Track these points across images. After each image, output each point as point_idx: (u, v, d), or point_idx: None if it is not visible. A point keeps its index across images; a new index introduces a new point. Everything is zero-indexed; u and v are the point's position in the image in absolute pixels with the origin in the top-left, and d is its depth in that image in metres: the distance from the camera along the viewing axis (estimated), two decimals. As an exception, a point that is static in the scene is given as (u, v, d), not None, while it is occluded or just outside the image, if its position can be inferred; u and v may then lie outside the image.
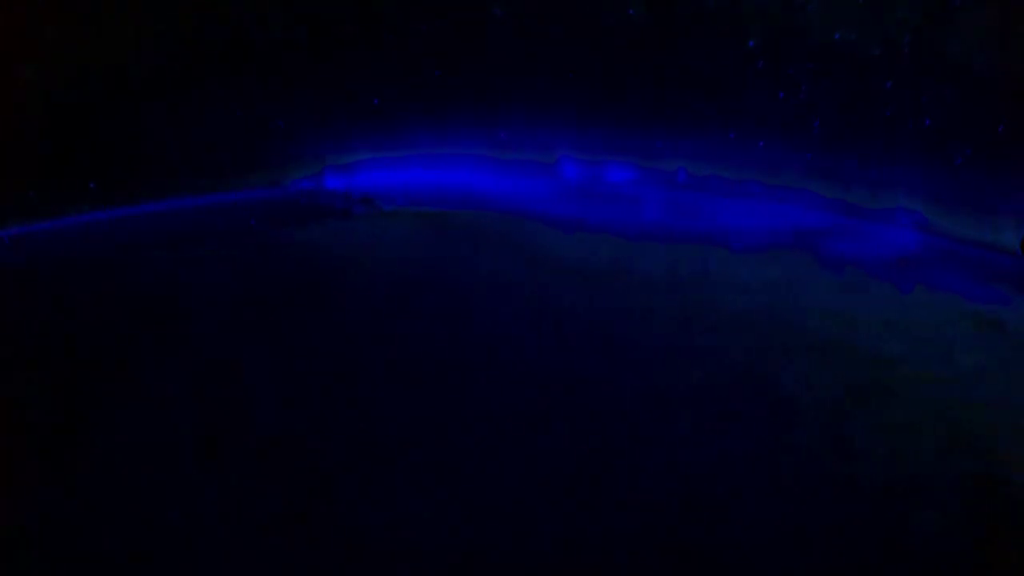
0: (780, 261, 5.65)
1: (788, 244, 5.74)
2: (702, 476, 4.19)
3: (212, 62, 5.82)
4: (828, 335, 5.05)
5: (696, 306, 5.30)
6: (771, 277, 5.52)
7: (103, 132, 5.74)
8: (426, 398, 4.68)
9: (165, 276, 5.64)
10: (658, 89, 5.89)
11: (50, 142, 5.65)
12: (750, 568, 3.77)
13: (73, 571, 3.82)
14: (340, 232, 6.22)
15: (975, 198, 5.53)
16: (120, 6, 5.54)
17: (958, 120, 5.36)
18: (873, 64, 5.42)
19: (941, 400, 4.58)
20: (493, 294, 5.52)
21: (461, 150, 6.32)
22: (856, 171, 5.71)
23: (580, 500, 4.07)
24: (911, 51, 5.25)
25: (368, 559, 3.88)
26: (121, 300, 5.40)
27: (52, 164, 5.73)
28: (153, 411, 4.59)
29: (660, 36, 5.73)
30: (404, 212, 6.31)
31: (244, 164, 6.20)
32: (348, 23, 5.90)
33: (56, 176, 5.76)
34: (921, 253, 5.59)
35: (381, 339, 5.13)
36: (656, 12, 5.66)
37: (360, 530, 3.99)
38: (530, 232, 6.03)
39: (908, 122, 5.45)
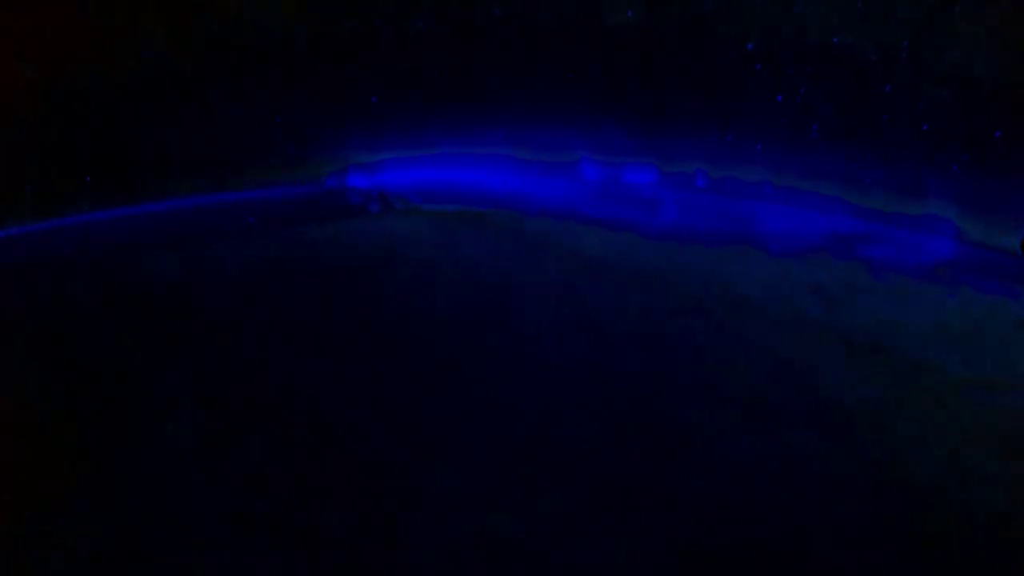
0: (819, 265, 5.64)
1: (822, 248, 5.73)
2: (749, 475, 4.16)
3: (233, 61, 5.84)
4: (877, 339, 5.02)
5: (740, 309, 5.31)
6: (814, 281, 5.50)
7: (125, 132, 5.77)
8: (468, 397, 4.68)
9: (174, 274, 5.67)
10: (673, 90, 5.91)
11: (72, 141, 5.69)
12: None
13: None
14: (362, 230, 6.23)
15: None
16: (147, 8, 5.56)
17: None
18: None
19: (994, 407, 4.54)
20: (527, 292, 5.56)
21: (485, 150, 6.34)
22: (880, 176, 5.72)
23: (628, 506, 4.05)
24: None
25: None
26: (131, 296, 5.45)
27: (75, 162, 5.76)
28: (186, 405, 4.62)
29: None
30: (427, 211, 6.32)
31: (265, 162, 6.22)
32: (368, 23, 5.90)
33: (77, 174, 5.77)
34: (958, 258, 5.56)
35: (405, 342, 5.12)
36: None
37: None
38: (557, 231, 6.07)
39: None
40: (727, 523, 3.91)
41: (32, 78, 5.40)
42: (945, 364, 4.83)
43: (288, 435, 4.44)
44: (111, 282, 5.48)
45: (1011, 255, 5.45)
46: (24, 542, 3.86)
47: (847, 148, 5.73)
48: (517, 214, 6.22)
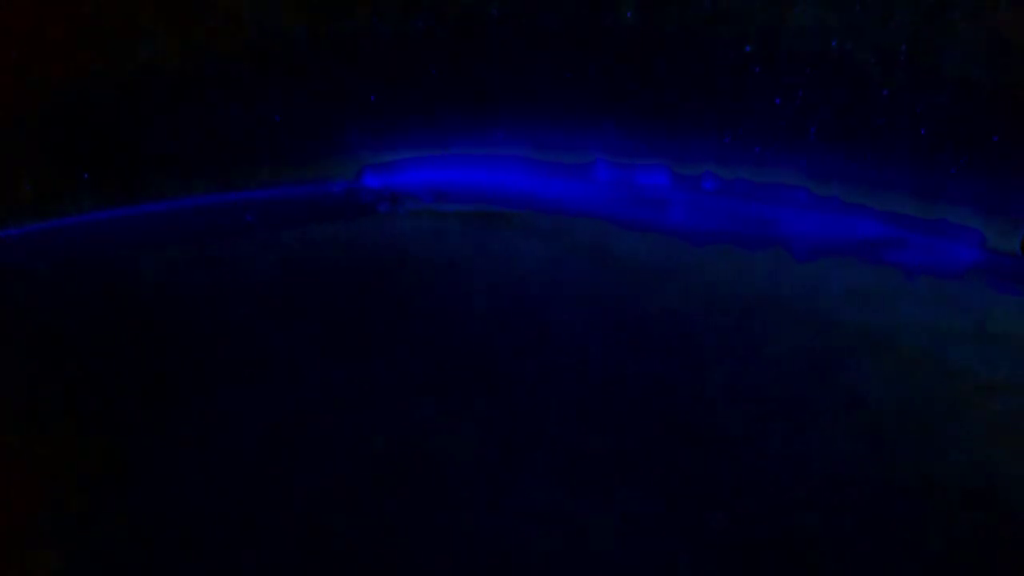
0: (849, 267, 5.69)
1: (851, 251, 5.77)
2: (787, 477, 4.16)
3: (250, 63, 5.87)
4: (909, 342, 5.06)
5: (774, 311, 5.33)
6: (846, 284, 5.56)
7: (132, 132, 5.79)
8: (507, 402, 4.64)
9: (186, 274, 5.68)
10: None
11: (86, 139, 5.70)
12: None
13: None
14: (376, 230, 6.26)
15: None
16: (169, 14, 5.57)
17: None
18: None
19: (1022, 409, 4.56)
20: (563, 294, 5.56)
21: (499, 151, 6.41)
22: (906, 181, 5.74)
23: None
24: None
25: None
26: (135, 294, 5.45)
27: (76, 162, 5.77)
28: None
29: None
30: (442, 210, 6.38)
31: (281, 162, 6.25)
32: (386, 25, 5.91)
33: (76, 174, 5.79)
34: (987, 263, 5.60)
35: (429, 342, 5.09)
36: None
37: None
38: (584, 230, 6.11)
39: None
40: (767, 520, 3.91)
41: (33, 78, 5.40)
42: (972, 366, 4.87)
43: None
44: (110, 281, 5.50)
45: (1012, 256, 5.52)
46: (21, 540, 3.87)
47: (872, 153, 5.78)
48: (537, 214, 6.26)
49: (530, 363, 4.94)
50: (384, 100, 6.23)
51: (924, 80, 5.32)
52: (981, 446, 4.33)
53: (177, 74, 5.69)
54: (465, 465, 4.22)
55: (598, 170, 6.31)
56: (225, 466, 4.19)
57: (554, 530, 3.84)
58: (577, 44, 5.91)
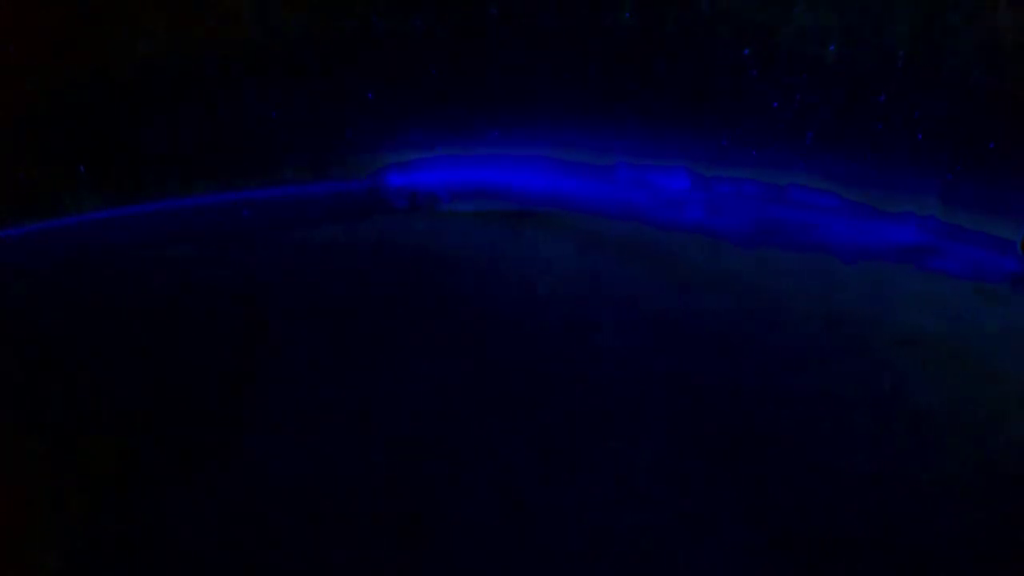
0: (896, 272, 5.70)
1: (892, 255, 5.78)
2: (842, 476, 4.18)
3: (270, 61, 5.86)
4: (956, 345, 5.06)
5: (821, 316, 5.33)
6: (904, 291, 5.58)
7: (138, 131, 5.79)
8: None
9: (202, 273, 5.68)
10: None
11: (86, 139, 5.70)
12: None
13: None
14: (398, 230, 6.25)
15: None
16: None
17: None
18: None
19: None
20: (603, 294, 5.53)
21: (525, 151, 6.38)
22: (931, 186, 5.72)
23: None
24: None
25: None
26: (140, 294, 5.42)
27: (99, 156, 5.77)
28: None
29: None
30: (468, 210, 6.38)
31: (302, 160, 6.24)
32: (410, 22, 5.90)
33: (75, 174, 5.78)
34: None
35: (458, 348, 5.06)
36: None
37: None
38: (610, 230, 6.11)
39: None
40: (819, 521, 3.94)
41: (32, 79, 5.40)
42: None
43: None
44: (110, 281, 5.49)
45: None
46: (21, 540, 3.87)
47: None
48: (567, 214, 6.24)
49: (576, 367, 4.90)
50: (384, 99, 6.23)
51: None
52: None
53: (177, 73, 5.68)
54: (515, 470, 4.20)
55: (619, 171, 6.32)
56: (227, 466, 4.18)
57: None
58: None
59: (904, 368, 4.87)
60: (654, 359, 4.97)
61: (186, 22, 5.59)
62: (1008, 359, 4.92)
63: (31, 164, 5.61)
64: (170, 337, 5.03)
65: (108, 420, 4.49)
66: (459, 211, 6.35)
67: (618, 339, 5.15)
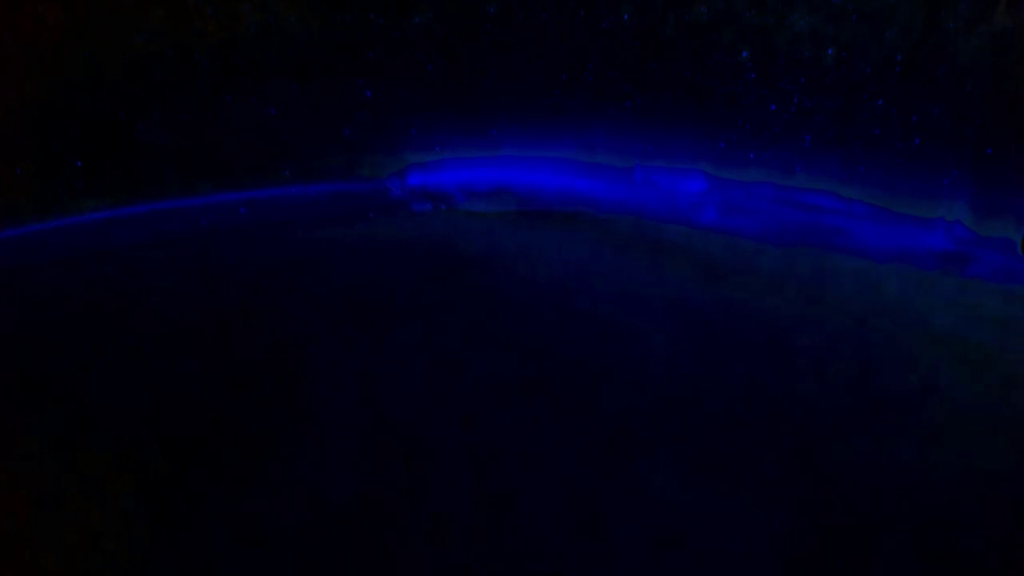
0: (924, 274, 5.80)
1: (917, 257, 5.88)
2: (875, 472, 4.19)
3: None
4: (993, 347, 5.13)
5: (866, 316, 5.39)
6: (942, 293, 5.69)
7: (138, 131, 5.79)
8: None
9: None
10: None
11: (86, 139, 5.71)
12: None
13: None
14: (417, 226, 6.30)
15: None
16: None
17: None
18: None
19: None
20: (640, 293, 5.59)
21: (547, 153, 6.49)
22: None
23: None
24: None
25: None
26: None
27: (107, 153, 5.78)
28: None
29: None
30: (488, 209, 6.47)
31: (324, 160, 6.30)
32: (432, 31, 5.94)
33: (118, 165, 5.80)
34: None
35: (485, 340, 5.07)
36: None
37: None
38: (654, 231, 6.21)
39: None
40: (854, 507, 3.96)
41: (33, 80, 5.39)
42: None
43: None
44: (111, 281, 5.50)
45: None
46: (21, 539, 3.87)
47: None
48: (595, 215, 6.31)
49: (619, 369, 4.91)
50: (383, 98, 6.23)
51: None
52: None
53: (177, 73, 5.68)
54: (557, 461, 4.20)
55: (638, 173, 6.37)
56: (232, 466, 4.18)
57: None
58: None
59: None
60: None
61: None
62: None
63: (31, 165, 5.60)
64: (172, 337, 5.03)
65: (107, 420, 4.49)
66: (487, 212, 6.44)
67: (661, 347, 5.20)
